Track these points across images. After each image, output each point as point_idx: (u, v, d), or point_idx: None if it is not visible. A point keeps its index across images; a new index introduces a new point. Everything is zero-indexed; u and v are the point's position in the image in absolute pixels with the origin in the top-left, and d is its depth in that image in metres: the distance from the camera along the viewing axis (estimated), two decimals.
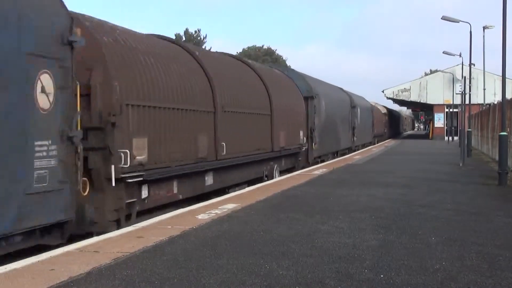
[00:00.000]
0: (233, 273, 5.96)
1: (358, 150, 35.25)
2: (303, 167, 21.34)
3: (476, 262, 6.46)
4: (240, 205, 10.82)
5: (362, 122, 37.82)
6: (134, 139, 9.60)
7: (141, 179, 9.72)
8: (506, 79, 16.12)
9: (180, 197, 11.55)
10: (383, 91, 57.57)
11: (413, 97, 55.87)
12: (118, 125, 9.06)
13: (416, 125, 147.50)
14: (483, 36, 38.11)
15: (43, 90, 7.28)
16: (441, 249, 7.09)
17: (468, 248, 7.17)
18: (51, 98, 7.45)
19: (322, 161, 24.49)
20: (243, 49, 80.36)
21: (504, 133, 15.42)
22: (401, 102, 68.86)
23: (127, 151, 9.24)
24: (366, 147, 39.41)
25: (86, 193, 8.61)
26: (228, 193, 13.74)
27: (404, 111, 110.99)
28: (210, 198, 12.20)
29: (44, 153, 7.29)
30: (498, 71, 17.75)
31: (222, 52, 19.09)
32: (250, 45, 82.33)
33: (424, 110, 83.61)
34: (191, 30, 73.14)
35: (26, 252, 7.21)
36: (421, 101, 56.23)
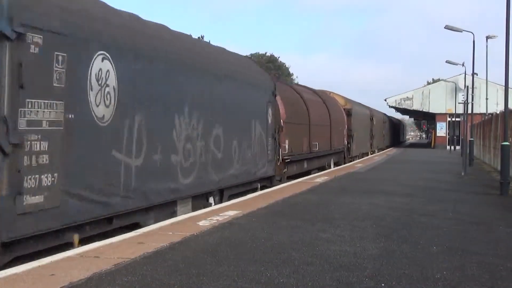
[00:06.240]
0: (233, 280, 5.95)
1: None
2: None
3: (477, 272, 6.44)
4: (241, 212, 10.81)
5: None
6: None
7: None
8: (509, 89, 16.11)
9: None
10: (385, 100, 57.68)
11: (416, 106, 55.94)
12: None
13: (411, 133, 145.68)
14: (486, 46, 38.16)
15: None
16: (442, 259, 7.08)
17: (469, 258, 7.15)
18: None
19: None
20: (246, 56, 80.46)
21: (506, 143, 15.41)
22: (404, 111, 68.89)
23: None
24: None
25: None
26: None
27: (406, 119, 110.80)
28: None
29: None
30: (501, 80, 17.73)
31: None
32: (253, 52, 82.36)
33: (426, 119, 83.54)
34: (194, 36, 73.32)
35: (26, 256, 7.21)
36: (424, 110, 56.31)
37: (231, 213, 10.68)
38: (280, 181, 18.02)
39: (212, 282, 5.84)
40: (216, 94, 12.47)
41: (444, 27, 31.67)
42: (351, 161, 31.08)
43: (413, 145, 73.08)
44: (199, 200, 11.94)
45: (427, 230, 9.13)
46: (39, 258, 6.94)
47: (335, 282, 5.91)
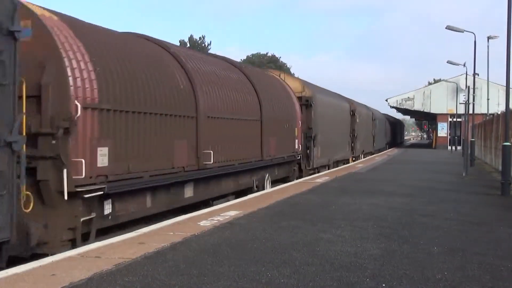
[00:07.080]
0: (234, 280, 5.95)
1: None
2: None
3: (478, 273, 6.44)
4: (242, 212, 10.82)
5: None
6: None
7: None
8: (510, 89, 16.09)
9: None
10: (386, 100, 57.69)
11: (417, 106, 55.90)
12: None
13: (412, 133, 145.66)
14: (488, 46, 38.16)
15: None
16: (442, 259, 7.08)
17: (470, 259, 7.15)
18: None
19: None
20: (247, 56, 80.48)
21: (508, 143, 15.39)
22: (405, 111, 68.80)
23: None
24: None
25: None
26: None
27: (408, 119, 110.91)
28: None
29: None
30: (502, 81, 17.79)
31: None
32: (255, 52, 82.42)
33: (427, 119, 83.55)
34: (196, 36, 73.23)
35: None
36: (425, 110, 56.30)
37: (232, 213, 10.68)
38: (76, 244, 8.38)
39: (213, 283, 5.84)
40: None
41: (446, 28, 31.61)
42: (312, 174, 21.77)
43: (413, 146, 72.98)
44: None
45: (427, 231, 9.13)
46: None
47: (336, 283, 5.91)
